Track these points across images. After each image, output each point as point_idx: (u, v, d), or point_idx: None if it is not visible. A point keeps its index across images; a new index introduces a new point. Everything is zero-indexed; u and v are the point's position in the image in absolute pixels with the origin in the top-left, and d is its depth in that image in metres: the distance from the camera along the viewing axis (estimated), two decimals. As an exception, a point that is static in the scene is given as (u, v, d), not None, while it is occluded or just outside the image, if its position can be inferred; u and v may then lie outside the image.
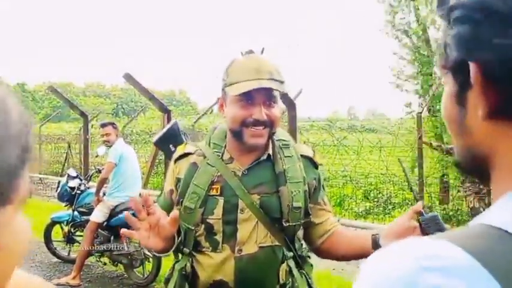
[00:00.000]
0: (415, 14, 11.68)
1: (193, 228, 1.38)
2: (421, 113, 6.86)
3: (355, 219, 7.38)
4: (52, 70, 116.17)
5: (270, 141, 1.43)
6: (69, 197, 5.27)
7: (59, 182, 5.75)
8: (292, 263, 1.40)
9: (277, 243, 1.38)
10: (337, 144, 7.59)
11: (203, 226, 1.37)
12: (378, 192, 9.42)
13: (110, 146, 4.99)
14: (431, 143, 7.63)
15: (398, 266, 0.41)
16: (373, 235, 1.37)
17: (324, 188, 1.54)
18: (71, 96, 45.35)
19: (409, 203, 8.29)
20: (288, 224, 1.37)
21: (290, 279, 1.39)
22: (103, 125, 5.24)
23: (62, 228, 5.46)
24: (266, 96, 1.35)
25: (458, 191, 8.05)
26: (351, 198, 9.00)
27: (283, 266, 1.38)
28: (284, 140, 1.47)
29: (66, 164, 11.92)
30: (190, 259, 1.40)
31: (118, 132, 5.21)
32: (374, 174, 9.07)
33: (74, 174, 5.39)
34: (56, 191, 5.59)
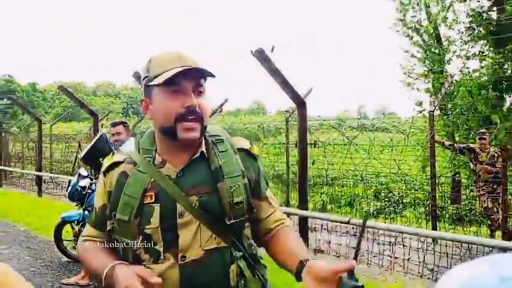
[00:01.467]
0: (426, 11, 11.57)
1: (129, 241, 1.26)
2: (432, 111, 6.76)
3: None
4: (63, 70, 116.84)
5: (203, 139, 1.37)
6: (79, 196, 5.27)
7: (69, 182, 5.75)
8: (242, 263, 1.30)
9: (223, 245, 1.29)
10: (348, 143, 7.52)
11: (141, 237, 1.25)
12: (388, 191, 9.36)
13: (120, 145, 4.98)
14: (443, 142, 7.54)
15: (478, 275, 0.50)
16: (301, 261, 1.18)
17: (266, 182, 1.45)
18: (82, 96, 45.55)
19: (421, 202, 8.22)
20: (231, 222, 1.28)
21: (242, 281, 1.30)
22: (114, 124, 5.24)
23: (72, 227, 5.47)
24: (195, 83, 1.27)
25: (471, 191, 7.95)
26: (361, 198, 8.92)
27: (233, 268, 1.29)
28: (217, 136, 1.39)
29: (76, 163, 11.96)
30: None
31: (129, 131, 5.20)
32: (385, 173, 9.00)
33: (85, 174, 5.38)
34: (67, 190, 5.59)
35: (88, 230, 1.40)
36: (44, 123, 14.55)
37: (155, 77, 1.26)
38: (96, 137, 4.65)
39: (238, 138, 1.45)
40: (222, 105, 10.68)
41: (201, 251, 1.25)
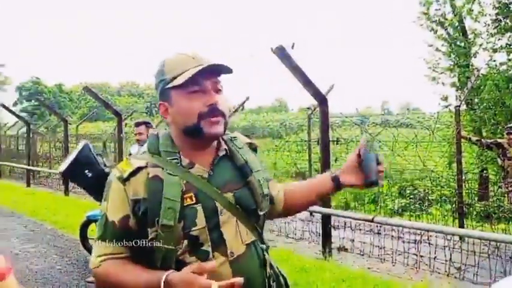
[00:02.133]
0: (450, 4, 11.30)
1: (174, 247, 1.22)
2: (459, 106, 6.60)
3: (391, 217, 7.20)
4: (88, 70, 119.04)
5: (221, 138, 1.38)
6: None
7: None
8: (267, 255, 1.37)
9: (254, 238, 1.34)
10: (371, 139, 7.42)
11: (186, 242, 1.22)
12: (414, 188, 9.20)
13: (142, 145, 5.02)
14: (470, 138, 7.37)
15: None
16: (332, 175, 1.49)
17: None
18: (106, 96, 46.25)
19: (447, 200, 8.05)
20: (262, 213, 1.36)
21: (271, 271, 1.37)
22: (137, 124, 5.31)
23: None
24: (213, 80, 1.29)
25: (499, 187, 7.76)
26: (385, 195, 8.80)
27: (267, 257, 1.36)
28: (228, 133, 1.41)
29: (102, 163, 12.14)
30: None
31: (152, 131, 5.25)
32: (410, 170, 8.85)
33: (109, 174, 5.44)
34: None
35: (104, 248, 1.27)
36: (70, 124, 14.84)
37: (172, 79, 1.26)
38: (79, 148, 4.06)
39: (238, 134, 1.49)
40: (243, 103, 10.68)
41: (243, 245, 1.30)
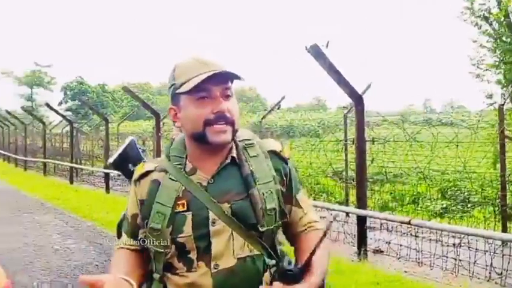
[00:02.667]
0: (495, -2, 10.89)
1: (162, 250, 1.25)
2: (503, 104, 6.33)
3: (430, 219, 6.98)
4: (131, 71, 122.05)
5: (233, 144, 1.34)
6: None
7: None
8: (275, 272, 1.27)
9: (256, 252, 1.26)
10: (410, 139, 7.22)
11: (174, 246, 1.24)
12: (456, 190, 8.91)
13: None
14: (514, 137, 7.05)
15: None
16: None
17: (300, 183, 1.41)
18: (147, 96, 47.34)
19: (490, 202, 7.74)
20: (264, 229, 1.26)
21: None
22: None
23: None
24: (222, 87, 1.26)
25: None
26: (425, 197, 8.56)
27: (266, 276, 1.26)
28: (247, 140, 1.36)
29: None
30: (162, 284, 1.28)
31: None
32: (451, 171, 8.56)
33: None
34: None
35: (123, 238, 1.39)
36: (111, 123, 15.25)
37: (182, 84, 1.26)
38: (125, 143, 4.53)
39: (269, 141, 1.42)
40: (279, 102, 10.65)
41: (234, 259, 1.24)
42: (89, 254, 5.84)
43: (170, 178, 1.29)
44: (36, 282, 4.66)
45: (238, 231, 1.24)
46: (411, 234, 5.79)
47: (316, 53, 5.06)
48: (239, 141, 1.35)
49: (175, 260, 1.26)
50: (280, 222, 1.31)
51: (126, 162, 4.04)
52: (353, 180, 7.48)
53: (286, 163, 1.37)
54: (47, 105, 15.26)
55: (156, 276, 1.29)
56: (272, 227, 1.28)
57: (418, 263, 5.20)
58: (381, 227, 6.17)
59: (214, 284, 1.22)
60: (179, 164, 1.31)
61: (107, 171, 12.06)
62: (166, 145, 1.40)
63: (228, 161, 1.30)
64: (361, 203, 5.56)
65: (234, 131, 1.28)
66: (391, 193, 9.08)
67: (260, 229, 1.25)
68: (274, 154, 1.36)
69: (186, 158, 1.32)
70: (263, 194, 1.26)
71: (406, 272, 5.03)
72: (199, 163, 1.30)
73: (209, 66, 1.25)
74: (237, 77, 1.28)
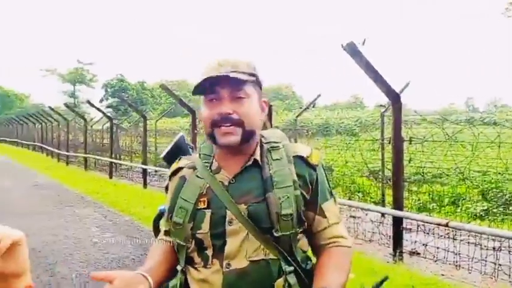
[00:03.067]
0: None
1: (184, 244, 1.29)
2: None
3: (469, 222, 6.77)
4: (169, 68, 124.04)
5: (258, 146, 1.34)
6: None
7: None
8: (293, 279, 1.24)
9: (272, 257, 1.24)
10: (449, 139, 7.02)
11: (194, 241, 1.28)
12: (497, 191, 8.60)
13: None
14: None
15: None
16: None
17: (331, 194, 1.36)
18: (184, 93, 47.91)
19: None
20: (280, 234, 1.23)
21: None
22: None
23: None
24: (232, 89, 1.26)
25: None
26: (464, 198, 8.30)
27: (279, 282, 1.23)
28: (274, 142, 1.36)
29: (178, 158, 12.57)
30: (183, 277, 1.32)
31: None
32: (492, 172, 8.28)
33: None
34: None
35: (162, 231, 1.44)
36: (149, 120, 15.54)
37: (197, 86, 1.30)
38: (177, 137, 4.73)
39: (298, 145, 1.41)
40: (314, 100, 10.58)
41: (246, 261, 1.24)
42: (126, 247, 5.98)
43: (197, 175, 1.33)
44: (74, 274, 4.83)
45: (253, 234, 1.24)
46: (449, 237, 5.63)
47: (353, 51, 5.00)
48: (265, 143, 1.35)
49: (196, 254, 1.29)
50: (298, 229, 1.27)
51: (175, 157, 4.21)
52: (389, 180, 7.35)
53: (314, 169, 1.34)
54: (89, 102, 15.73)
55: (178, 267, 1.33)
56: (288, 233, 1.25)
57: (456, 266, 5.06)
58: (417, 228, 6.02)
59: (224, 283, 1.23)
60: (207, 162, 1.34)
61: (145, 166, 12.31)
62: (201, 143, 1.44)
63: (250, 162, 1.31)
64: (398, 203, 5.45)
65: (246, 132, 1.28)
66: (429, 194, 8.85)
67: (275, 234, 1.24)
68: (301, 159, 1.34)
69: (214, 156, 1.35)
70: (279, 199, 1.25)
71: (443, 275, 4.90)
72: (224, 162, 1.33)
73: (220, 69, 1.27)
74: (237, 81, 1.26)
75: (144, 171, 12.39)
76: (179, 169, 1.40)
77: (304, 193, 1.30)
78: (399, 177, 5.45)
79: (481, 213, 8.13)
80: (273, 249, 1.24)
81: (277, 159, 1.31)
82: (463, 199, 8.32)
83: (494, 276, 4.69)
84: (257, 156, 1.32)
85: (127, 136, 17.90)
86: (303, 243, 1.32)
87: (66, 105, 19.62)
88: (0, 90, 71.21)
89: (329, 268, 1.25)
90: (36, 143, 28.01)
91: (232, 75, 1.25)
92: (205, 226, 1.26)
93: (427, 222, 5.65)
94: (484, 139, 7.11)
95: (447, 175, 8.93)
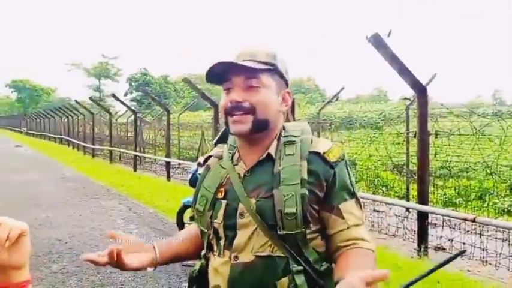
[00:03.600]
0: None
1: (205, 230, 1.32)
2: None
3: (497, 217, 6.63)
4: (192, 62, 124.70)
5: (276, 139, 1.30)
6: (199, 183, 5.53)
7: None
8: (300, 279, 1.17)
9: (279, 254, 1.20)
10: (476, 132, 6.86)
11: (212, 230, 1.30)
12: (526, 186, 8.37)
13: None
14: None
15: None
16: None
17: (349, 193, 1.26)
18: (207, 87, 48.07)
19: None
20: (283, 233, 1.19)
21: None
22: None
23: (194, 211, 5.76)
24: (245, 78, 1.25)
25: None
26: (492, 193, 8.12)
27: (283, 281, 1.19)
28: (292, 136, 1.29)
29: (200, 151, 12.67)
30: (205, 261, 1.35)
31: None
32: (521, 166, 8.06)
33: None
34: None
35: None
36: (172, 113, 15.65)
37: None
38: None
39: (319, 140, 1.32)
40: (338, 93, 10.47)
41: (252, 255, 1.23)
42: (150, 240, 5.96)
43: (220, 165, 1.35)
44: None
45: (261, 229, 1.22)
46: (476, 232, 5.52)
47: (378, 42, 4.92)
48: (284, 136, 1.31)
49: (214, 242, 1.31)
50: (304, 229, 1.20)
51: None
52: (414, 174, 7.24)
53: (331, 167, 1.26)
54: (113, 95, 15.92)
55: (202, 252, 1.37)
56: (293, 232, 1.19)
57: (483, 262, 4.96)
58: (443, 223, 5.93)
59: (230, 275, 1.24)
60: (231, 152, 1.35)
61: (168, 159, 12.43)
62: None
63: (264, 156, 1.29)
64: (423, 198, 5.37)
65: (257, 121, 1.25)
66: (456, 188, 8.69)
67: (278, 232, 1.20)
68: (317, 156, 1.26)
69: (237, 147, 1.36)
70: (283, 196, 1.20)
71: (469, 271, 4.82)
72: (243, 154, 1.33)
73: (239, 56, 1.29)
74: (247, 69, 1.24)
75: (168, 164, 12.51)
76: (208, 158, 1.42)
77: (317, 191, 1.23)
78: (425, 171, 5.36)
79: (509, 208, 7.94)
80: (280, 246, 1.21)
81: (289, 154, 1.26)
82: (490, 194, 8.14)
83: (523, 273, 4.59)
84: (272, 149, 1.29)
85: (151, 129, 18.08)
86: (318, 243, 1.25)
87: (91, 99, 19.92)
88: (28, 84, 72.83)
89: (348, 266, 1.15)
90: (62, 136, 28.56)
91: (244, 63, 1.24)
92: (220, 216, 1.28)
93: (453, 217, 5.55)
94: (512, 133, 6.93)
95: (474, 169, 8.74)
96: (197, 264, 1.38)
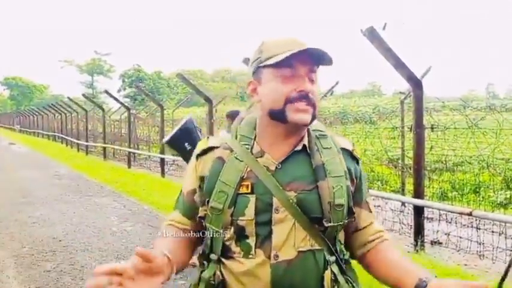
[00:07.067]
0: None
1: (221, 231, 1.20)
2: None
3: (492, 211, 6.64)
4: (185, 58, 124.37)
5: (306, 132, 1.26)
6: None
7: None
8: (336, 269, 1.20)
9: (317, 247, 1.18)
10: (471, 126, 6.86)
11: (233, 229, 1.19)
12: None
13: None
14: None
15: None
16: (420, 279, 1.07)
17: (367, 188, 1.33)
18: (200, 83, 48.07)
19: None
20: (329, 224, 1.17)
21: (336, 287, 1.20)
22: (227, 116, 5.43)
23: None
24: (309, 68, 1.18)
25: None
26: (487, 186, 8.14)
27: (327, 273, 1.18)
28: (320, 131, 1.29)
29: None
30: (219, 266, 1.22)
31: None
32: (516, 159, 8.09)
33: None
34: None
35: (174, 214, 1.35)
36: (166, 109, 15.57)
37: (268, 58, 1.20)
38: (183, 121, 4.64)
39: (340, 137, 1.34)
40: (332, 88, 10.45)
41: (295, 251, 1.16)
42: (145, 236, 6.01)
43: (236, 157, 1.23)
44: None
45: (301, 223, 1.17)
46: (472, 226, 5.52)
47: (373, 36, 4.88)
48: (312, 130, 1.28)
49: (233, 243, 1.20)
50: (346, 221, 1.22)
51: (182, 140, 4.12)
52: (410, 168, 7.23)
53: (358, 163, 1.30)
54: (106, 92, 15.79)
55: (213, 257, 1.24)
56: (337, 224, 1.20)
57: (480, 256, 4.96)
58: (439, 217, 5.92)
59: (273, 276, 1.15)
60: (246, 144, 1.25)
61: (162, 156, 12.36)
62: (235, 124, 1.33)
63: (299, 148, 1.23)
64: (418, 192, 5.35)
65: (314, 116, 1.21)
66: (451, 182, 8.70)
67: (325, 224, 1.18)
68: (346, 152, 1.29)
69: (255, 139, 1.26)
70: (333, 188, 1.19)
71: (466, 265, 4.81)
72: (268, 146, 1.24)
73: (300, 45, 1.18)
74: (329, 60, 1.19)
75: (162, 161, 12.44)
76: (210, 149, 1.29)
77: (351, 186, 1.26)
78: (420, 165, 5.34)
79: (504, 201, 7.96)
80: (318, 239, 1.19)
81: (327, 147, 1.26)
82: (487, 187, 8.16)
83: (520, 266, 4.58)
84: (306, 142, 1.25)
85: (144, 126, 17.98)
86: (341, 234, 1.27)
87: (84, 95, 19.74)
88: (21, 82, 72.35)
89: (404, 260, 1.21)
90: (56, 134, 28.38)
91: (323, 51, 1.17)
92: (249, 212, 1.18)
93: (449, 211, 5.54)
94: (507, 126, 6.94)
95: (469, 163, 8.76)
96: (209, 269, 1.24)
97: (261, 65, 1.21)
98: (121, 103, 16.20)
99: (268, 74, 1.21)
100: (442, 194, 8.66)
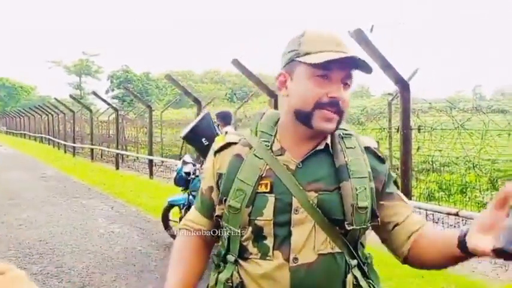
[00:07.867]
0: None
1: (238, 231, 1.16)
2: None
3: (478, 211, 6.71)
4: (174, 59, 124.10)
5: None
6: (184, 181, 5.47)
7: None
8: (358, 273, 1.15)
9: (338, 250, 1.14)
10: (458, 127, 6.93)
11: (250, 229, 1.14)
12: (507, 179, 8.50)
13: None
14: None
15: None
16: (461, 230, 0.99)
17: (397, 186, 1.28)
18: (189, 84, 47.90)
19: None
20: (351, 228, 1.12)
21: None
22: (217, 116, 5.45)
23: (180, 210, 5.69)
24: (346, 73, 1.13)
25: None
26: (474, 187, 8.24)
27: (350, 277, 1.14)
28: (345, 130, 1.23)
29: (183, 148, 12.57)
30: (237, 268, 1.18)
31: (230, 122, 5.43)
32: (502, 160, 8.19)
33: (189, 160, 5.57)
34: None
35: (192, 214, 1.33)
36: (155, 110, 15.49)
37: (307, 53, 1.13)
38: (200, 116, 4.69)
39: (364, 137, 1.30)
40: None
41: (315, 254, 1.12)
42: (133, 238, 5.97)
43: (255, 155, 1.19)
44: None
45: (321, 225, 1.13)
46: (459, 226, 5.57)
47: (360, 37, 4.91)
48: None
49: (250, 243, 1.16)
50: (369, 224, 1.17)
51: (199, 136, 4.15)
52: (397, 169, 7.28)
53: (383, 162, 1.25)
54: (94, 93, 15.68)
55: (230, 258, 1.20)
56: (360, 227, 1.14)
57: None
58: (426, 218, 5.96)
59: (292, 280, 1.11)
60: (266, 142, 1.21)
61: (151, 157, 12.30)
62: (256, 120, 1.28)
63: (322, 146, 1.19)
64: (406, 192, 5.38)
65: (339, 123, 1.16)
66: (438, 183, 8.78)
67: (346, 227, 1.13)
68: (370, 152, 1.24)
69: (275, 136, 1.22)
70: (356, 190, 1.14)
71: (473, 272, 4.85)
72: (289, 144, 1.20)
73: (340, 46, 1.13)
74: (368, 70, 1.14)
75: (150, 162, 12.39)
76: (228, 145, 1.25)
77: (378, 186, 1.21)
78: (407, 166, 5.39)
79: (490, 201, 8.05)
80: (339, 242, 1.14)
81: (350, 147, 1.20)
82: (473, 187, 8.25)
83: (505, 266, 4.64)
84: (328, 141, 1.20)
85: (133, 127, 17.88)
86: (364, 239, 1.23)
87: (72, 96, 19.59)
88: (7, 82, 71.49)
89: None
90: (43, 135, 28.11)
91: (364, 61, 1.12)
92: (268, 212, 1.13)
93: (436, 212, 5.59)
94: (493, 127, 7.02)
95: (455, 164, 8.85)
96: (226, 271, 1.20)
97: (297, 59, 1.15)
98: (109, 104, 16.10)
99: (302, 71, 1.14)
100: (429, 194, 8.74)
